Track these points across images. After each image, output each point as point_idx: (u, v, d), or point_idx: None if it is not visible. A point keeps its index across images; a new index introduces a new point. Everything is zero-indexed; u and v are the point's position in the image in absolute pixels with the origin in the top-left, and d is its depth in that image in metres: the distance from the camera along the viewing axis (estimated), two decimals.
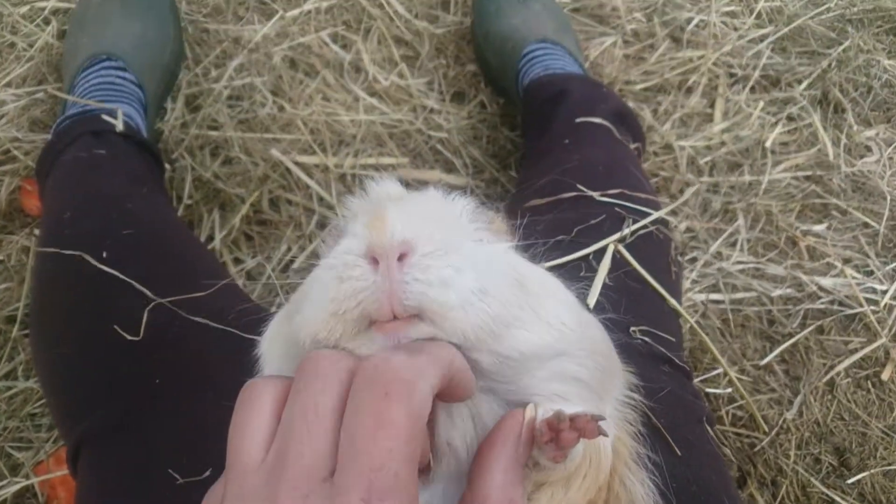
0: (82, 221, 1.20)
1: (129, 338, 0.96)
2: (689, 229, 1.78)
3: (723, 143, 1.92)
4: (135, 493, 0.90)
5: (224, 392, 0.70)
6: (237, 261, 1.70)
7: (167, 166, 1.69)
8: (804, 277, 1.68)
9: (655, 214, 1.17)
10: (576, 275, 0.99)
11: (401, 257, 0.56)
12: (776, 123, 1.96)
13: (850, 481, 1.45)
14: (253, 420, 0.54)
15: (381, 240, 0.56)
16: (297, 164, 1.80)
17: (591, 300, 0.95)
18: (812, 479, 1.44)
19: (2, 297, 1.58)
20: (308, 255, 1.70)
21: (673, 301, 1.10)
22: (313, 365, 0.54)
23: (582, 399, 0.63)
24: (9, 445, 1.42)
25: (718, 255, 1.74)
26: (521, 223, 0.77)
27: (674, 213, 1.76)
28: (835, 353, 1.61)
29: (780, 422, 1.51)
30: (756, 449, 1.47)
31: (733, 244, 1.76)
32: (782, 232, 1.77)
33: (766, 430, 1.46)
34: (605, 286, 1.00)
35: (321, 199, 1.76)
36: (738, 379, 1.51)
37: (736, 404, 1.53)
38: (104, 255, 1.09)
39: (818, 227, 1.79)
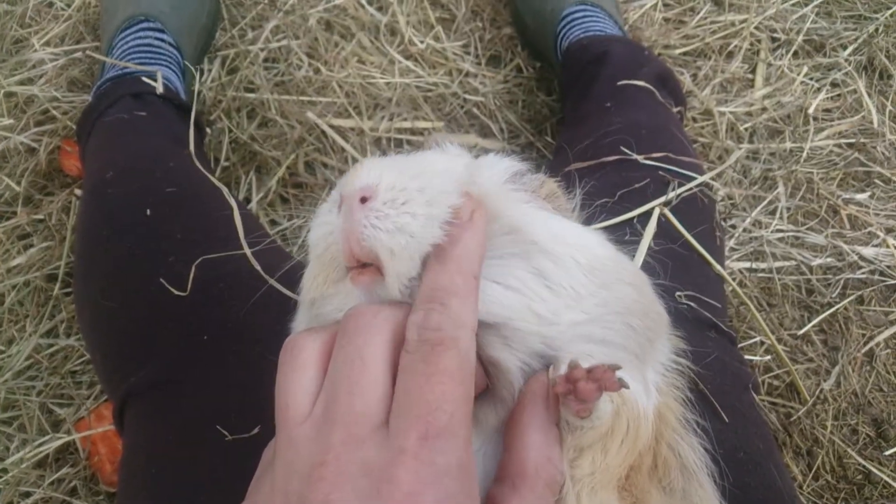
0: (125, 180, 1.20)
1: (176, 292, 0.97)
2: (728, 196, 1.75)
3: (764, 109, 1.89)
4: (182, 448, 0.91)
5: (272, 349, 0.71)
6: (273, 223, 1.71)
7: (207, 131, 1.69)
8: (845, 247, 1.66)
9: (702, 178, 1.15)
10: (621, 239, 0.98)
11: (364, 200, 0.56)
12: (819, 90, 1.92)
13: (887, 453, 1.44)
14: (298, 374, 0.55)
15: (345, 184, 0.58)
16: (332, 127, 1.79)
17: (637, 263, 0.94)
18: (849, 450, 1.43)
19: (43, 255, 1.60)
20: None
21: (718, 266, 1.09)
22: (355, 319, 0.55)
23: (617, 361, 0.61)
24: (50, 402, 1.45)
25: (757, 223, 1.71)
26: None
27: (713, 178, 1.74)
28: (875, 323, 1.59)
29: (818, 392, 1.49)
30: (792, 419, 1.46)
31: (773, 212, 1.73)
32: (823, 200, 1.74)
33: (808, 398, 1.44)
34: (650, 251, 0.99)
35: (356, 162, 1.75)
36: (774, 347, 1.49)
37: (773, 373, 1.51)
38: (148, 212, 1.10)
39: (860, 196, 1.76)
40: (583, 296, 0.59)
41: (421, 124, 1.84)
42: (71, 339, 1.51)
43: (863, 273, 1.63)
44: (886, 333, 1.56)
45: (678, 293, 0.96)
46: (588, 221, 0.80)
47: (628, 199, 1.09)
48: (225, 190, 1.04)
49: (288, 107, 1.81)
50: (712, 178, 1.61)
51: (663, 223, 1.07)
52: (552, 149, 1.81)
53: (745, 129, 1.85)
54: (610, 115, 1.36)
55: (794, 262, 1.65)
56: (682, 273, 1.00)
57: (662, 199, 1.08)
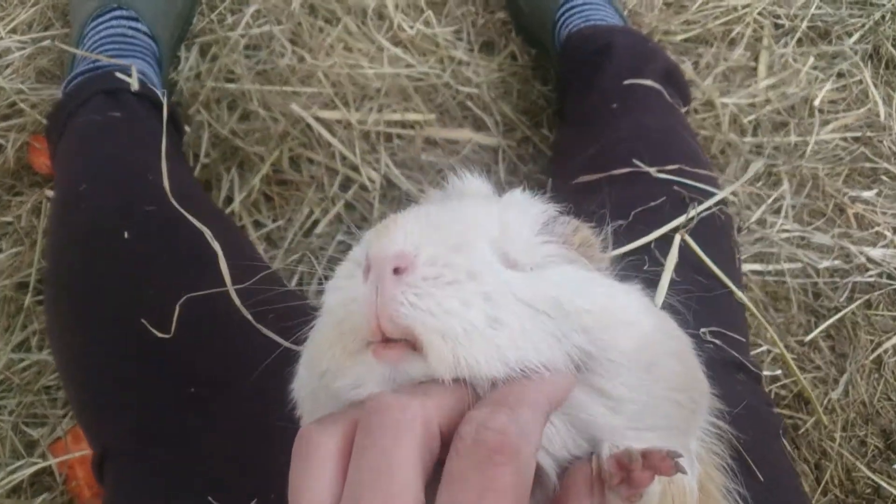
0: (100, 195, 1.11)
1: (160, 335, 0.88)
2: (732, 194, 1.69)
3: (768, 101, 1.82)
4: None
5: (271, 403, 0.65)
6: (257, 224, 1.62)
7: (186, 128, 1.59)
8: (852, 248, 1.60)
9: (721, 194, 1.08)
10: (638, 267, 0.91)
11: (398, 271, 0.50)
12: (825, 80, 1.85)
13: None
14: (314, 474, 0.49)
15: (376, 249, 0.51)
16: (318, 119, 1.70)
17: (658, 300, 0.87)
18: (857, 463, 1.39)
19: (12, 262, 1.51)
20: (331, 219, 1.61)
21: (740, 294, 1.02)
22: (379, 415, 0.48)
23: (660, 439, 0.56)
24: (23, 422, 1.37)
25: (762, 223, 1.65)
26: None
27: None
28: (883, 329, 1.54)
29: (826, 402, 1.45)
30: (800, 431, 1.41)
31: (777, 211, 1.67)
32: (829, 198, 1.68)
33: (820, 411, 1.39)
34: (671, 283, 0.92)
35: (344, 158, 1.67)
36: (783, 357, 1.44)
37: (779, 383, 1.46)
38: (126, 234, 1.01)
39: (867, 194, 1.70)
40: (632, 387, 0.54)
41: (411, 116, 1.75)
42: (44, 353, 1.42)
43: (870, 276, 1.58)
44: (895, 339, 1.52)
45: (703, 330, 0.90)
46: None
47: (643, 220, 1.02)
48: (207, 233, 0.94)
49: (270, 98, 1.72)
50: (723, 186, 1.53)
51: (681, 247, 1.00)
52: (549, 143, 1.73)
53: (749, 122, 1.78)
54: (617, 119, 1.28)
55: (800, 265, 1.59)
56: (704, 306, 0.93)
57: (681, 219, 1.01)
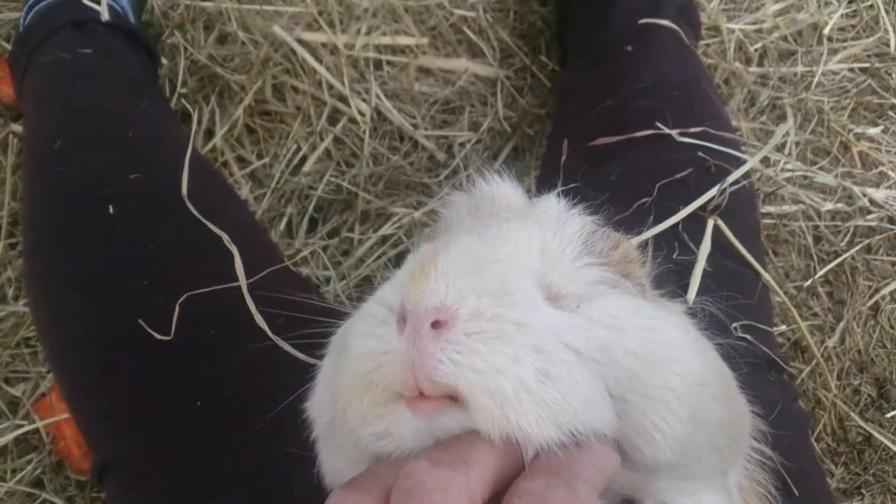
0: (78, 156, 1.01)
1: (159, 337, 0.81)
2: (736, 129, 1.62)
3: (776, 27, 1.73)
4: None
5: (288, 427, 0.60)
6: (241, 160, 1.53)
7: (164, 61, 1.47)
8: (855, 189, 1.56)
9: (749, 163, 1.02)
10: (666, 253, 0.86)
11: (437, 324, 0.46)
12: (837, 6, 1.76)
13: (888, 416, 1.41)
14: None
15: (413, 299, 0.46)
16: (302, 43, 1.58)
17: (691, 296, 0.83)
18: (851, 413, 1.40)
19: None
20: (320, 156, 1.53)
21: (768, 277, 0.98)
22: (419, 498, 0.43)
23: (703, 479, 0.55)
24: (3, 379, 1.31)
25: (765, 161, 1.60)
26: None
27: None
28: (881, 274, 1.53)
29: (822, 350, 1.45)
30: (796, 381, 1.41)
31: (781, 147, 1.61)
32: (835, 135, 1.63)
33: (819, 357, 1.37)
34: (703, 273, 0.87)
35: (331, 87, 1.56)
36: (783, 303, 1.41)
37: (776, 330, 1.45)
38: (111, 209, 0.92)
39: (873, 131, 1.65)
40: (677, 430, 0.51)
41: (402, 40, 1.64)
42: (20, 305, 1.35)
43: (872, 219, 1.55)
44: (893, 285, 1.50)
45: (734, 325, 0.86)
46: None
47: (669, 195, 0.96)
48: (225, 237, 0.85)
49: (249, 17, 1.59)
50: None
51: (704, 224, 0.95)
52: (548, 72, 1.64)
53: (755, 51, 1.70)
54: (633, 66, 1.20)
55: (802, 206, 1.55)
56: (735, 296, 0.88)
57: (712, 191, 0.94)
